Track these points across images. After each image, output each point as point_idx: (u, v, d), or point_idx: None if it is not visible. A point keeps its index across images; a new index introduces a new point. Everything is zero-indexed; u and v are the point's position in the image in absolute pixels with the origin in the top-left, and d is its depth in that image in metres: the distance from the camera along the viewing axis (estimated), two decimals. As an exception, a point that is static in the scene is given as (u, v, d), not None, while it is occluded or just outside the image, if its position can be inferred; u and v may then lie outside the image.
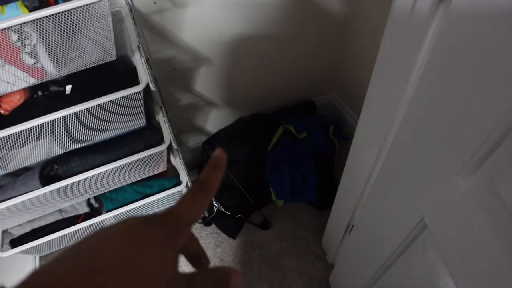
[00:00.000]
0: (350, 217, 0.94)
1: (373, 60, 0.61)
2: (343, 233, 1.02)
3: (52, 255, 1.29)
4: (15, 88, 0.68)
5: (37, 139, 0.81)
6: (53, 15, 0.62)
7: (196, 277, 0.23)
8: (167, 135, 0.98)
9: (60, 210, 1.08)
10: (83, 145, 0.89)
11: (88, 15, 0.65)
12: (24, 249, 1.03)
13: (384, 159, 0.65)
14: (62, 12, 0.62)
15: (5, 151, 0.79)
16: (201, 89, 1.26)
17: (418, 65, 0.49)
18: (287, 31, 1.21)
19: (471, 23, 0.36)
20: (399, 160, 0.59)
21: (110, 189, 1.04)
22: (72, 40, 0.66)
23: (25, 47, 0.62)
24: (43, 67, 0.66)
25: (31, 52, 0.63)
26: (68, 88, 0.81)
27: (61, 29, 0.64)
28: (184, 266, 0.27)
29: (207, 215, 1.37)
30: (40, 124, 0.75)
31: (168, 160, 1.17)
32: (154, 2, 0.96)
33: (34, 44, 0.62)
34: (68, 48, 0.66)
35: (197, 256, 0.28)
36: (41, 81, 0.70)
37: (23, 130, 0.75)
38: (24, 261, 1.27)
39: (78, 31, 0.66)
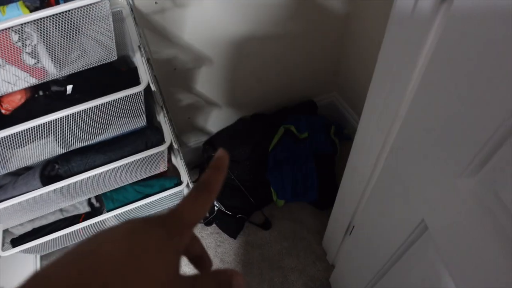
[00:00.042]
0: (350, 218, 0.94)
1: (374, 60, 0.61)
2: (343, 234, 1.02)
3: (53, 254, 1.29)
4: (16, 88, 0.68)
5: (38, 139, 0.81)
6: (53, 15, 0.62)
7: (198, 280, 0.23)
8: (168, 135, 0.98)
9: (61, 210, 1.08)
10: (84, 145, 0.89)
11: (89, 16, 0.65)
12: (25, 248, 1.03)
13: (384, 160, 0.65)
14: (62, 12, 0.62)
15: (6, 150, 0.79)
16: (202, 89, 1.26)
17: (419, 66, 0.49)
18: (288, 31, 1.20)
19: (473, 24, 0.36)
20: (399, 161, 0.59)
21: (111, 189, 1.04)
22: (73, 41, 0.66)
23: (25, 47, 0.62)
24: (43, 67, 0.66)
25: (32, 52, 0.63)
26: (69, 88, 0.81)
27: (61, 29, 0.64)
28: (185, 265, 0.27)
29: (208, 215, 1.37)
30: (41, 124, 0.76)
31: (169, 160, 1.17)
32: (155, 2, 0.96)
33: (35, 44, 0.62)
34: (68, 49, 0.66)
35: (200, 258, 0.28)
36: (42, 81, 0.70)
37: (24, 130, 0.75)
38: (25, 260, 1.28)
39: (79, 32, 0.66)
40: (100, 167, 0.92)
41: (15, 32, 0.60)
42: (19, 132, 0.75)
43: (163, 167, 1.08)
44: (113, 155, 0.93)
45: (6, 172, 0.85)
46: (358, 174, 0.81)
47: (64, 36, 0.65)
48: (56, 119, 0.76)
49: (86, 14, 0.65)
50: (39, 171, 0.91)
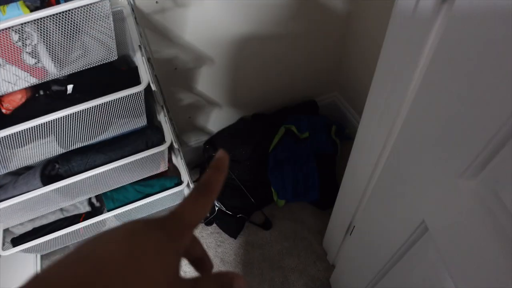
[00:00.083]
0: (351, 218, 0.94)
1: (375, 60, 0.61)
2: (344, 234, 1.02)
3: (53, 254, 1.30)
4: (16, 88, 0.68)
5: (38, 139, 0.81)
6: (54, 15, 0.62)
7: (199, 282, 0.23)
8: (168, 134, 0.98)
9: (61, 209, 1.08)
10: (84, 144, 0.89)
11: (89, 15, 0.65)
12: (26, 248, 1.03)
13: (385, 160, 0.65)
14: (63, 12, 0.62)
15: (6, 150, 0.79)
16: (203, 89, 1.26)
17: (420, 65, 0.49)
18: (289, 31, 1.20)
19: (474, 24, 0.36)
20: (400, 161, 0.58)
21: (111, 189, 1.04)
22: (73, 40, 0.66)
23: (26, 47, 0.62)
24: (44, 67, 0.66)
25: (32, 52, 0.63)
26: (70, 87, 0.81)
27: (62, 29, 0.64)
28: (185, 265, 0.27)
29: (208, 215, 1.37)
30: (41, 124, 0.76)
31: (170, 160, 1.17)
32: (156, 2, 0.96)
33: (35, 44, 0.62)
34: (69, 48, 0.66)
35: (200, 260, 0.28)
36: (42, 81, 0.70)
37: (25, 129, 0.75)
38: (25, 260, 1.28)
39: (79, 31, 0.66)
40: (101, 167, 0.92)
41: (15, 31, 0.60)
42: (19, 131, 0.75)
43: (163, 167, 1.07)
44: (113, 155, 0.93)
45: (7, 171, 0.86)
46: (359, 174, 0.80)
47: (65, 35, 0.64)
48: (56, 119, 0.76)
49: (87, 13, 0.65)
50: (40, 170, 0.91)
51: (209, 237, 1.36)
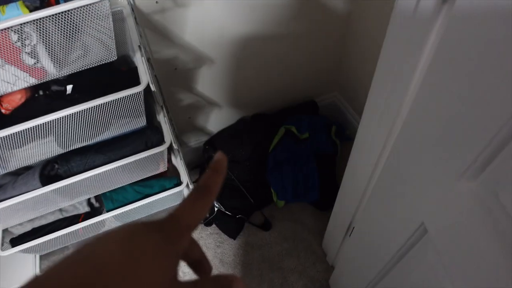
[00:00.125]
0: (350, 219, 0.93)
1: (375, 61, 0.60)
2: (343, 235, 1.02)
3: (53, 254, 1.29)
4: (15, 88, 0.68)
5: (38, 139, 0.81)
6: (53, 15, 0.62)
7: (198, 285, 0.23)
8: (168, 135, 0.97)
9: (60, 209, 1.08)
10: (84, 145, 0.89)
11: (89, 15, 0.65)
12: (25, 248, 1.03)
13: (385, 161, 0.65)
14: (62, 12, 0.62)
15: (5, 150, 0.79)
16: (203, 89, 1.26)
17: (420, 66, 0.49)
18: (289, 32, 1.20)
19: (475, 24, 0.36)
20: (400, 162, 0.58)
21: (110, 189, 1.04)
22: (72, 40, 0.66)
23: (25, 47, 0.61)
24: (43, 67, 0.66)
25: (31, 52, 0.63)
26: (69, 88, 0.81)
27: (61, 29, 0.64)
28: (184, 266, 0.27)
29: (207, 215, 1.37)
30: (41, 124, 0.75)
31: (169, 160, 1.17)
32: (156, 2, 0.96)
33: (34, 44, 0.62)
34: (68, 49, 0.66)
35: (199, 262, 0.28)
36: (41, 81, 0.70)
37: (24, 129, 0.75)
38: (25, 260, 1.28)
39: (79, 31, 0.66)
40: (100, 167, 0.92)
41: (15, 32, 0.60)
42: (19, 131, 0.75)
43: (163, 167, 1.07)
44: (112, 155, 0.93)
45: (6, 171, 0.85)
46: (359, 175, 0.80)
47: (64, 36, 0.64)
48: (55, 119, 0.76)
49: (86, 14, 0.65)
50: (39, 171, 0.91)
51: (208, 238, 1.36)
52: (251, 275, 1.26)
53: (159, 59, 1.09)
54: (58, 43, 0.64)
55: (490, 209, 0.39)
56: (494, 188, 0.38)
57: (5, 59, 0.62)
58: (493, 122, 0.36)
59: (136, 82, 0.81)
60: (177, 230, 0.23)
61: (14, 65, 0.63)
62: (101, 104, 0.78)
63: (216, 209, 1.36)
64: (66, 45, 0.66)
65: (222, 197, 1.36)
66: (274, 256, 1.30)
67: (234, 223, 1.35)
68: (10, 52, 0.62)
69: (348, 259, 1.01)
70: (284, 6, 1.11)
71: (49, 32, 0.62)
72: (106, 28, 0.69)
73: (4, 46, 0.61)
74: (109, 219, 1.12)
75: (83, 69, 0.73)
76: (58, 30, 0.63)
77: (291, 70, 1.36)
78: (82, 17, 0.65)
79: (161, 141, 0.97)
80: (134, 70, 0.86)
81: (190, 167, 1.51)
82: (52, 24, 0.62)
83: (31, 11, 0.62)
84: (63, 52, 0.66)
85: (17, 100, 0.81)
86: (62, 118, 0.77)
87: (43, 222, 1.07)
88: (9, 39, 0.60)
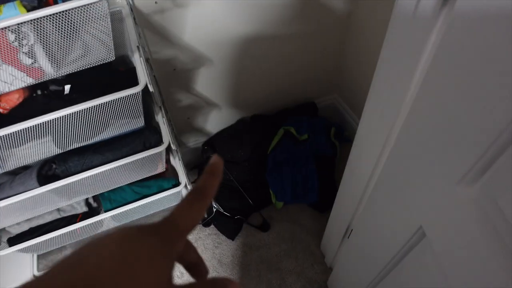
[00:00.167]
0: (349, 221, 0.93)
1: (375, 63, 0.60)
2: (342, 237, 1.02)
3: (50, 254, 1.29)
4: (12, 88, 0.67)
5: (36, 139, 0.81)
6: (51, 15, 0.61)
7: None
8: (166, 136, 0.97)
9: (58, 209, 1.08)
10: (81, 145, 0.89)
11: (87, 15, 0.65)
12: (22, 248, 1.03)
13: (384, 164, 0.65)
14: (60, 12, 0.62)
15: (3, 149, 0.79)
16: (202, 90, 1.26)
17: (420, 68, 0.48)
18: (289, 33, 1.20)
19: (476, 25, 0.35)
20: (399, 166, 0.58)
21: (108, 189, 1.04)
22: (70, 40, 0.65)
23: (22, 47, 0.61)
24: (40, 67, 0.65)
25: (29, 52, 0.62)
26: (67, 88, 0.81)
27: (59, 29, 0.63)
28: (180, 266, 0.27)
29: (206, 216, 1.36)
30: (38, 124, 0.75)
31: (168, 161, 1.17)
32: (155, 2, 0.95)
33: (32, 44, 0.62)
34: (66, 49, 0.66)
35: (195, 266, 0.28)
36: (39, 81, 0.70)
37: (22, 129, 0.74)
38: (22, 260, 1.27)
39: (77, 31, 0.66)
40: (98, 168, 0.91)
41: (12, 31, 0.59)
42: (16, 131, 0.74)
43: (161, 168, 1.07)
44: (110, 156, 0.92)
45: (3, 171, 0.85)
46: (357, 178, 0.80)
47: (62, 36, 0.64)
48: (53, 119, 0.76)
49: (84, 14, 0.64)
50: (36, 170, 0.90)
51: (206, 239, 1.36)
52: (249, 276, 1.26)
53: (158, 59, 1.09)
54: (55, 43, 0.64)
55: (489, 214, 0.39)
56: (492, 193, 0.38)
57: (2, 58, 0.62)
58: (492, 126, 0.35)
59: (134, 82, 0.81)
60: (173, 233, 0.23)
61: (11, 65, 0.63)
62: (99, 104, 0.78)
63: (214, 209, 1.36)
64: (63, 45, 0.65)
65: (220, 197, 1.36)
66: (272, 257, 1.29)
67: (232, 224, 1.35)
68: (7, 52, 0.61)
69: (346, 261, 1.00)
70: (283, 7, 1.11)
71: (46, 32, 0.62)
72: (104, 28, 0.69)
73: (1, 46, 0.60)
74: (107, 219, 1.12)
75: (81, 69, 0.73)
76: (56, 30, 0.63)
77: (291, 71, 1.36)
78: (80, 17, 0.64)
79: (159, 142, 0.97)
80: (133, 70, 0.85)
81: (189, 168, 1.51)
82: (50, 24, 0.62)
83: (28, 10, 0.61)
84: (60, 52, 0.66)
85: (15, 99, 0.80)
86: (60, 118, 0.77)
87: (41, 221, 1.07)
88: (6, 39, 0.60)
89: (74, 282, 0.18)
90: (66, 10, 0.62)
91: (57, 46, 0.65)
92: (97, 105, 0.78)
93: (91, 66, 0.73)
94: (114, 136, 0.93)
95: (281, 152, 1.34)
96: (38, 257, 1.30)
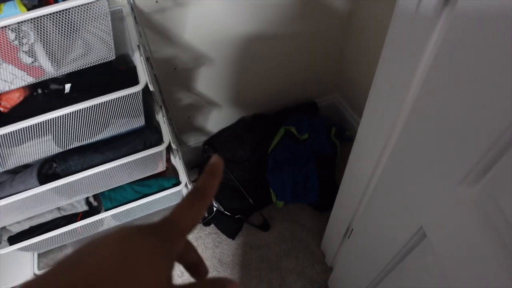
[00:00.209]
0: (349, 221, 0.93)
1: (376, 62, 0.60)
2: (342, 237, 1.01)
3: (51, 252, 1.29)
4: (13, 87, 0.67)
5: (36, 137, 0.81)
6: (51, 14, 0.61)
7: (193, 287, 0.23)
8: (167, 135, 0.97)
9: (58, 208, 1.08)
10: (82, 144, 0.89)
11: (88, 14, 0.65)
12: (23, 246, 1.03)
13: (384, 164, 0.64)
14: (60, 11, 0.61)
15: (3, 148, 0.79)
16: (202, 89, 1.26)
17: (421, 68, 0.48)
18: (289, 32, 1.20)
19: (477, 25, 0.35)
20: (399, 166, 0.58)
21: (108, 188, 1.04)
22: (70, 39, 0.65)
23: (22, 46, 0.61)
24: (41, 66, 0.65)
25: (29, 51, 0.62)
26: (67, 86, 0.81)
27: (59, 28, 0.63)
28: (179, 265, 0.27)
29: (206, 215, 1.36)
30: (39, 123, 0.75)
31: (168, 160, 1.17)
32: (156, 1, 0.95)
33: (32, 43, 0.62)
34: (66, 47, 0.66)
35: (195, 265, 0.28)
36: (39, 80, 0.70)
37: (22, 128, 0.74)
38: (23, 258, 1.28)
39: (77, 30, 0.65)
40: (98, 167, 0.91)
41: (12, 30, 0.59)
42: (17, 130, 0.74)
43: (161, 167, 1.07)
44: (111, 155, 0.92)
45: (4, 170, 0.85)
46: (358, 178, 0.80)
47: (62, 35, 0.64)
48: (53, 118, 0.76)
49: (85, 12, 0.64)
50: (37, 169, 0.90)
51: (207, 238, 1.36)
52: (249, 276, 1.26)
53: (159, 58, 1.09)
54: (56, 42, 0.64)
55: (490, 215, 0.39)
56: (493, 194, 0.38)
57: (2, 57, 0.62)
58: (494, 126, 0.35)
59: (134, 81, 0.81)
60: (173, 233, 0.23)
61: (12, 63, 0.63)
62: (99, 103, 0.77)
63: (215, 209, 1.36)
64: (64, 44, 0.65)
65: (221, 197, 1.36)
66: (272, 257, 1.29)
67: (233, 223, 1.35)
68: (7, 50, 0.61)
69: (346, 260, 1.00)
70: (284, 7, 1.11)
71: (47, 31, 0.62)
72: (105, 27, 0.68)
73: (1, 45, 0.60)
74: (108, 218, 1.12)
75: (81, 68, 0.73)
76: (56, 29, 0.63)
77: (292, 71, 1.35)
78: (81, 16, 0.64)
79: (159, 141, 0.97)
80: (133, 69, 0.85)
81: (189, 167, 1.51)
82: (50, 23, 0.61)
83: (29, 9, 0.61)
84: (61, 51, 0.66)
85: (15, 98, 0.80)
86: (60, 117, 0.76)
87: (41, 220, 1.07)
88: (6, 38, 0.60)
89: (75, 282, 0.18)
90: (66, 9, 0.62)
91: (58, 45, 0.64)
92: (97, 104, 0.78)
93: (91, 65, 0.73)
94: (114, 135, 0.93)
95: (282, 152, 1.34)
96: (39, 255, 1.31)
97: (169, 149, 1.05)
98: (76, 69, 0.72)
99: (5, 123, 0.73)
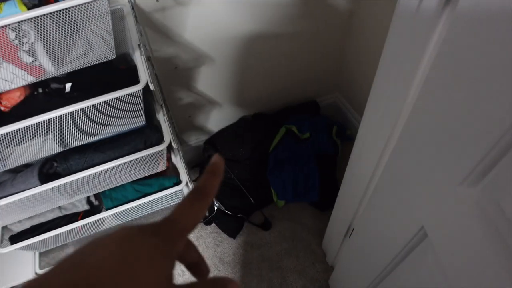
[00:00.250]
0: (350, 220, 0.93)
1: (377, 61, 0.60)
2: (343, 236, 1.01)
3: (52, 251, 1.30)
4: (13, 86, 0.67)
5: (37, 137, 0.81)
6: (51, 13, 0.61)
7: (194, 287, 0.23)
8: (167, 134, 0.97)
9: (59, 207, 1.08)
10: (82, 143, 0.89)
11: (88, 13, 0.65)
12: (24, 246, 1.03)
13: (385, 164, 0.64)
14: (60, 10, 0.61)
15: (4, 148, 0.79)
16: (203, 88, 1.26)
17: (422, 68, 0.48)
18: (291, 31, 1.19)
19: (479, 25, 0.35)
20: (400, 166, 0.58)
21: (109, 187, 1.04)
22: (70, 39, 0.65)
23: (22, 45, 0.61)
24: (41, 65, 0.65)
25: (29, 50, 0.62)
26: (68, 86, 0.81)
27: (59, 27, 0.63)
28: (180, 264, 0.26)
29: (207, 214, 1.36)
30: (40, 122, 0.75)
31: (169, 159, 1.17)
32: (157, 0, 0.95)
33: (32, 42, 0.62)
34: (66, 47, 0.66)
35: (196, 265, 0.28)
36: (40, 79, 0.70)
37: (23, 127, 0.74)
38: (24, 257, 1.28)
39: (77, 29, 0.65)
40: (99, 166, 0.91)
41: (12, 29, 0.59)
42: (17, 129, 0.74)
43: (162, 166, 1.07)
44: (111, 154, 0.92)
45: (5, 169, 0.85)
46: (358, 177, 0.80)
47: (62, 34, 0.64)
48: (54, 117, 0.76)
49: (85, 11, 0.64)
50: (38, 168, 0.91)
51: (208, 237, 1.36)
52: (250, 275, 1.26)
53: (159, 57, 1.09)
54: (56, 41, 0.64)
55: (490, 215, 0.39)
56: (494, 194, 0.38)
57: (2, 57, 0.62)
58: (495, 126, 0.35)
59: (135, 80, 0.81)
60: (173, 233, 0.23)
61: (12, 63, 0.63)
62: (100, 102, 0.78)
63: (216, 208, 1.36)
64: (64, 43, 0.65)
65: (222, 196, 1.36)
66: (273, 256, 1.29)
67: (234, 222, 1.35)
68: (8, 50, 0.61)
69: (347, 260, 1.00)
70: (285, 6, 1.10)
71: (47, 30, 0.62)
72: (105, 26, 0.68)
73: (1, 44, 0.60)
74: (109, 217, 1.12)
75: (82, 67, 0.73)
76: (56, 28, 0.63)
77: (293, 70, 1.35)
78: (81, 15, 0.64)
79: (160, 140, 0.97)
80: (134, 68, 0.85)
81: (190, 166, 1.51)
82: (50, 22, 0.61)
83: (29, 8, 0.61)
84: (61, 50, 0.66)
85: (16, 97, 0.80)
86: (61, 116, 0.77)
87: (42, 219, 1.07)
88: (7, 37, 0.60)
89: (76, 282, 0.18)
90: (66, 8, 0.62)
91: (58, 44, 0.64)
92: (98, 103, 0.78)
93: (92, 64, 0.73)
94: (115, 135, 0.93)
95: (283, 151, 1.34)
96: (40, 254, 1.31)
97: (169, 148, 1.05)
98: (76, 68, 0.72)
99: (6, 122, 0.74)
